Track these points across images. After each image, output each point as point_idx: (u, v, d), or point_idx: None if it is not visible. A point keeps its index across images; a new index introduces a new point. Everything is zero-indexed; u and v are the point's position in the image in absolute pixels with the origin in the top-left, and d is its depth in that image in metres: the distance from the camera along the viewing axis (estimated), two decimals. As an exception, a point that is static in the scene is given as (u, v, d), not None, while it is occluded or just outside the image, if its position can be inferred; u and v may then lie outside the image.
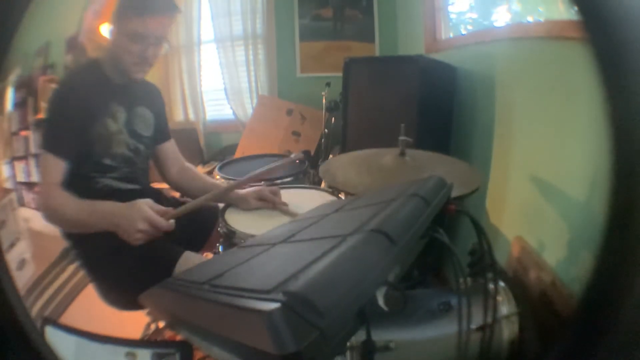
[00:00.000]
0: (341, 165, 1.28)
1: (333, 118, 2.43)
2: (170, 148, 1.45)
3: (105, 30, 1.21)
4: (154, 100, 1.39)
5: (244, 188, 1.41)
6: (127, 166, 1.29)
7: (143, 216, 1.10)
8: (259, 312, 0.39)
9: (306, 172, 1.85)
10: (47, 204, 1.17)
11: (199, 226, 1.41)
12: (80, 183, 1.17)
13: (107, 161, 1.25)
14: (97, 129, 1.22)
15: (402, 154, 1.26)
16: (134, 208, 1.12)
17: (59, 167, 1.15)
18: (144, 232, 1.10)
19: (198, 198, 1.28)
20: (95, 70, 1.25)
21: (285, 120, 2.61)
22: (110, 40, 1.21)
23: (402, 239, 0.53)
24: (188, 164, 1.49)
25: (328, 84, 2.42)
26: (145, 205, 1.12)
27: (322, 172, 1.28)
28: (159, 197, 1.42)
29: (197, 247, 1.43)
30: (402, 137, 1.26)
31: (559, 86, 1.22)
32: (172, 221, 1.14)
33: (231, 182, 1.49)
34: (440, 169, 1.17)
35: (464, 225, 0.84)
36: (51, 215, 1.17)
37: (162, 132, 1.41)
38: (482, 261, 0.86)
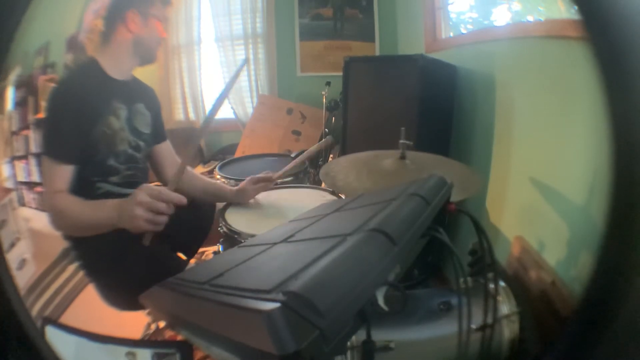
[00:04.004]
0: (341, 168, 1.28)
1: (333, 117, 2.42)
2: (166, 149, 1.45)
3: (135, 15, 1.25)
4: (151, 99, 1.39)
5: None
6: (129, 167, 1.29)
7: (139, 189, 1.05)
8: (259, 312, 0.39)
9: (306, 171, 1.85)
10: (53, 210, 1.15)
11: (196, 225, 1.41)
12: (81, 189, 1.16)
13: (111, 161, 1.25)
14: (101, 128, 1.21)
15: (403, 157, 1.26)
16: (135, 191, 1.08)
17: (64, 173, 1.14)
18: (143, 204, 1.02)
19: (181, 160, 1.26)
20: (95, 69, 1.25)
21: (285, 119, 2.61)
22: (140, 24, 1.25)
23: (402, 238, 0.53)
24: None
25: (328, 83, 2.42)
26: (145, 185, 1.09)
27: (322, 175, 1.28)
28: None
29: (195, 247, 1.44)
30: (402, 141, 1.26)
31: (559, 85, 1.22)
32: (178, 194, 1.07)
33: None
34: (440, 172, 1.18)
35: (464, 225, 0.84)
36: (58, 220, 1.15)
37: (159, 132, 1.41)
38: (483, 261, 0.86)
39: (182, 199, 1.06)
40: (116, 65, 1.26)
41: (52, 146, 1.17)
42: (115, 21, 1.24)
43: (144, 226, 1.03)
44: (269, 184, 1.41)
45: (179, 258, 1.22)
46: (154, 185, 1.07)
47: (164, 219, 1.04)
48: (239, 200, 1.40)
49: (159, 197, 1.03)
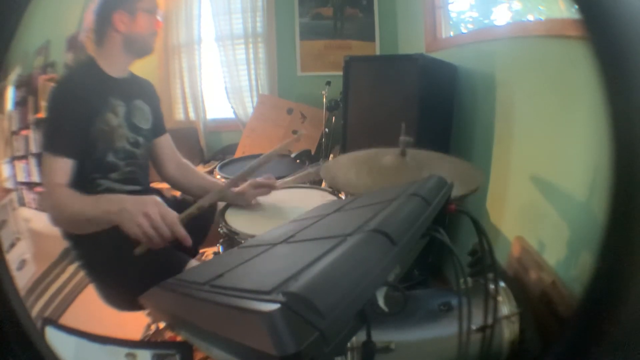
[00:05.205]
0: (341, 166, 1.28)
1: (333, 117, 2.42)
2: (165, 142, 1.46)
3: (121, 16, 1.25)
4: (150, 94, 1.40)
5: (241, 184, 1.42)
6: (128, 163, 1.30)
7: (154, 201, 1.03)
8: (259, 313, 0.39)
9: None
10: (52, 203, 1.15)
11: (196, 225, 1.41)
12: (81, 186, 1.16)
13: (110, 158, 1.25)
14: (99, 124, 1.22)
15: (403, 154, 1.25)
16: (146, 196, 1.07)
17: (64, 166, 1.14)
18: (151, 219, 1.00)
19: (199, 200, 1.25)
20: (92, 67, 1.27)
21: (285, 119, 2.61)
22: (128, 22, 1.26)
23: (402, 239, 0.53)
24: (185, 160, 1.50)
25: (328, 83, 2.42)
26: (158, 197, 1.06)
27: (322, 173, 1.28)
28: (159, 195, 1.42)
29: (195, 246, 1.43)
30: (402, 137, 1.26)
31: (559, 85, 1.22)
32: (186, 234, 1.04)
33: (230, 179, 1.45)
34: (441, 169, 1.17)
35: (465, 225, 0.84)
36: (57, 214, 1.15)
37: (158, 125, 1.42)
38: (483, 261, 0.86)
39: (187, 240, 1.04)
40: (112, 63, 1.28)
41: (51, 140, 1.18)
42: (104, 24, 1.26)
43: (139, 235, 1.01)
44: (269, 190, 1.41)
45: (180, 257, 1.21)
46: (168, 208, 1.04)
47: (159, 241, 1.02)
48: (238, 202, 1.40)
49: (168, 223, 1.02)
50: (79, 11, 1.46)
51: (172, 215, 1.04)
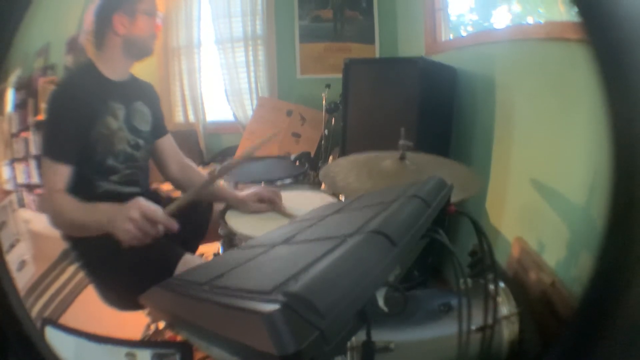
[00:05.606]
0: (341, 169, 1.28)
1: (333, 119, 2.43)
2: (167, 142, 1.45)
3: (121, 18, 1.25)
4: (149, 95, 1.40)
5: (241, 189, 1.41)
6: (128, 166, 1.30)
7: (136, 204, 1.07)
8: (259, 313, 0.38)
9: (306, 173, 1.86)
10: (51, 208, 1.16)
11: (194, 224, 1.41)
12: (81, 188, 1.17)
13: (110, 161, 1.25)
14: (99, 128, 1.22)
15: (402, 158, 1.26)
16: (129, 201, 1.09)
17: (62, 173, 1.15)
18: (135, 221, 1.05)
19: (188, 191, 1.25)
20: (91, 71, 1.26)
21: (285, 121, 2.61)
22: (128, 25, 1.26)
23: (402, 240, 0.53)
24: (188, 161, 1.49)
25: (328, 86, 2.42)
26: (141, 198, 1.10)
27: (321, 176, 1.28)
28: (157, 197, 1.42)
29: (194, 245, 1.44)
30: (402, 141, 1.26)
31: (559, 88, 1.22)
32: (171, 219, 1.08)
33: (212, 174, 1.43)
34: (440, 173, 1.17)
35: (464, 226, 0.84)
36: (55, 218, 1.16)
37: (159, 126, 1.42)
38: (483, 262, 0.86)
39: (173, 225, 1.08)
40: (112, 66, 1.28)
41: (51, 146, 1.18)
42: (103, 27, 1.25)
43: (129, 240, 1.06)
44: (272, 207, 1.40)
45: (176, 252, 1.21)
46: (149, 204, 1.08)
47: (150, 239, 1.07)
48: (238, 208, 1.40)
49: (151, 219, 1.06)
50: (79, 13, 1.46)
51: (154, 211, 1.07)
